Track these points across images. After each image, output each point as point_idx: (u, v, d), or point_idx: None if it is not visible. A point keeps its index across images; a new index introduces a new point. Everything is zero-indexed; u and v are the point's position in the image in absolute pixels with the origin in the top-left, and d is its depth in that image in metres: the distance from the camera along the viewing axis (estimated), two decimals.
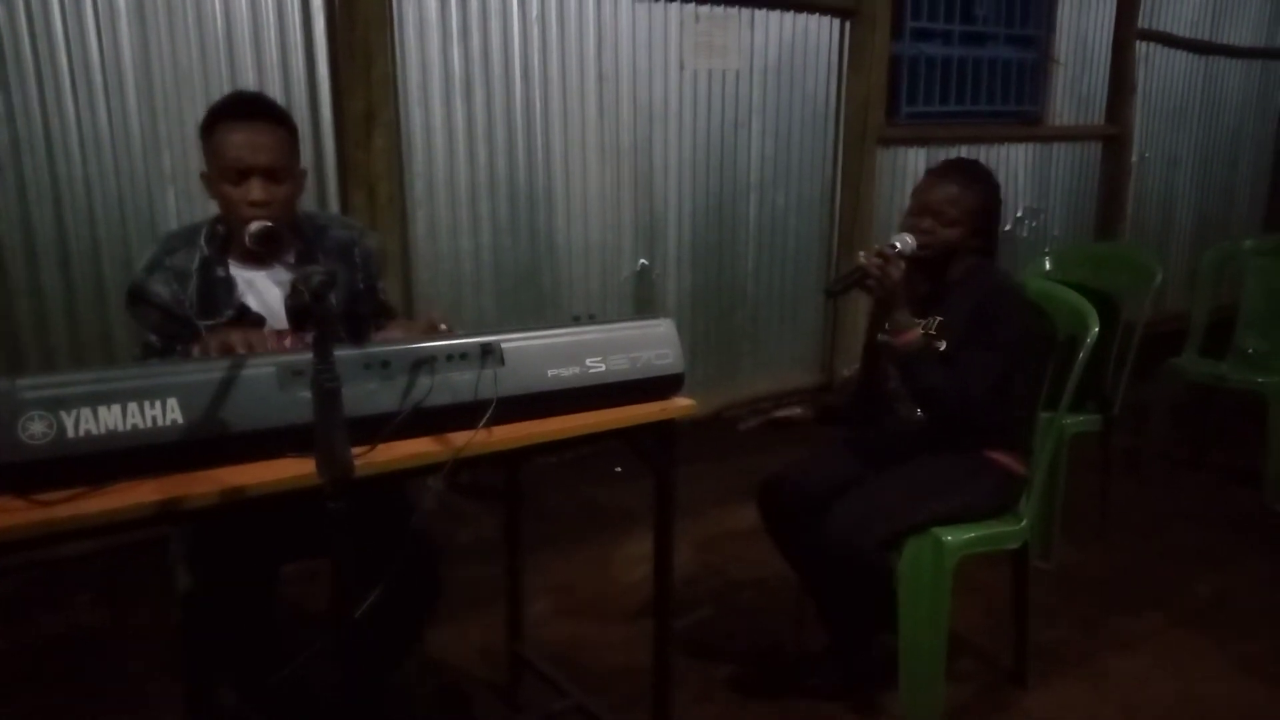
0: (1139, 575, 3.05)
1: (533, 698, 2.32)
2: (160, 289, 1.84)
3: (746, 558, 3.07)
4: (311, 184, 3.14)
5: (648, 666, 2.05)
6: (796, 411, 2.37)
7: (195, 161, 2.92)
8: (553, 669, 2.29)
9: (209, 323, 1.84)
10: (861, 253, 2.17)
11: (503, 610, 2.38)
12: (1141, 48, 5.56)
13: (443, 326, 1.75)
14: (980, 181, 2.28)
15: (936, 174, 2.29)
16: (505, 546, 2.32)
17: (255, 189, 1.80)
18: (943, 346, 2.15)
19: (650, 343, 1.78)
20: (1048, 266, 3.39)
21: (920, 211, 2.25)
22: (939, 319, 2.18)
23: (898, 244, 2.17)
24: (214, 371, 1.41)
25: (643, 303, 4.05)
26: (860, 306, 4.55)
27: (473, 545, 3.13)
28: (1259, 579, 3.03)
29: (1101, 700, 2.40)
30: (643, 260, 4.02)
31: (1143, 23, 5.50)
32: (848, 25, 4.37)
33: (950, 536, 2.11)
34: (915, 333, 2.14)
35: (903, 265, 2.15)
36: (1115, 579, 3.02)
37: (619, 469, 3.70)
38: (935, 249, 2.22)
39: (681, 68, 3.95)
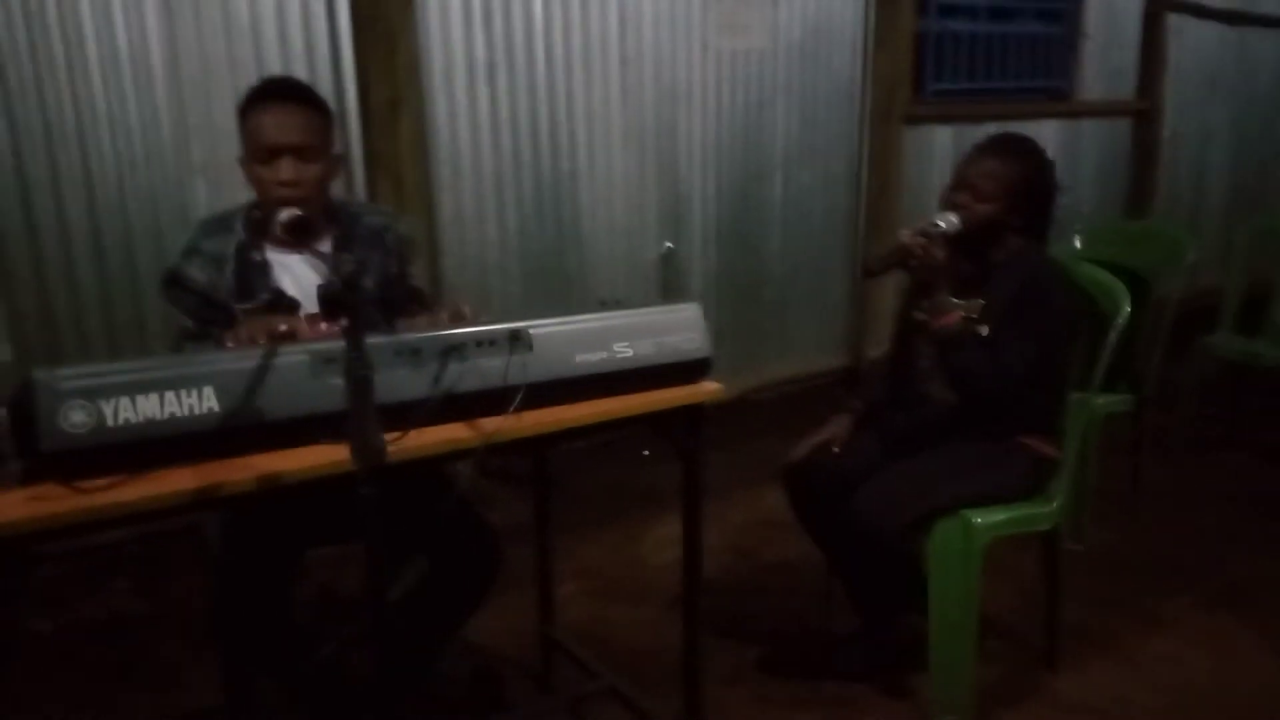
0: (1171, 556, 3.03)
1: (564, 679, 2.35)
2: (196, 274, 1.87)
3: (774, 540, 3.08)
4: (344, 162, 3.15)
5: (677, 648, 2.06)
6: (841, 435, 2.34)
7: (224, 151, 2.95)
8: (583, 651, 2.31)
9: (245, 306, 1.86)
10: (904, 231, 2.12)
11: (533, 593, 2.40)
12: (1173, 20, 5.45)
13: (468, 312, 1.75)
14: (1023, 157, 2.21)
15: (981, 148, 2.22)
16: (535, 530, 2.34)
17: (285, 168, 1.82)
18: (984, 331, 2.11)
19: (677, 327, 1.79)
20: (1078, 245, 3.35)
21: (957, 185, 2.20)
22: (981, 302, 2.14)
23: (941, 223, 2.12)
24: (249, 360, 1.44)
25: (668, 285, 4.04)
26: (888, 287, 4.52)
27: (503, 529, 3.13)
28: None
29: (1133, 682, 2.39)
30: (668, 243, 4.02)
31: None
32: (873, 2, 4.32)
33: (980, 518, 2.10)
34: (956, 315, 2.11)
35: (946, 245, 2.10)
36: (1147, 560, 3.00)
37: (647, 452, 3.71)
38: (969, 225, 2.15)
39: (705, 48, 3.93)
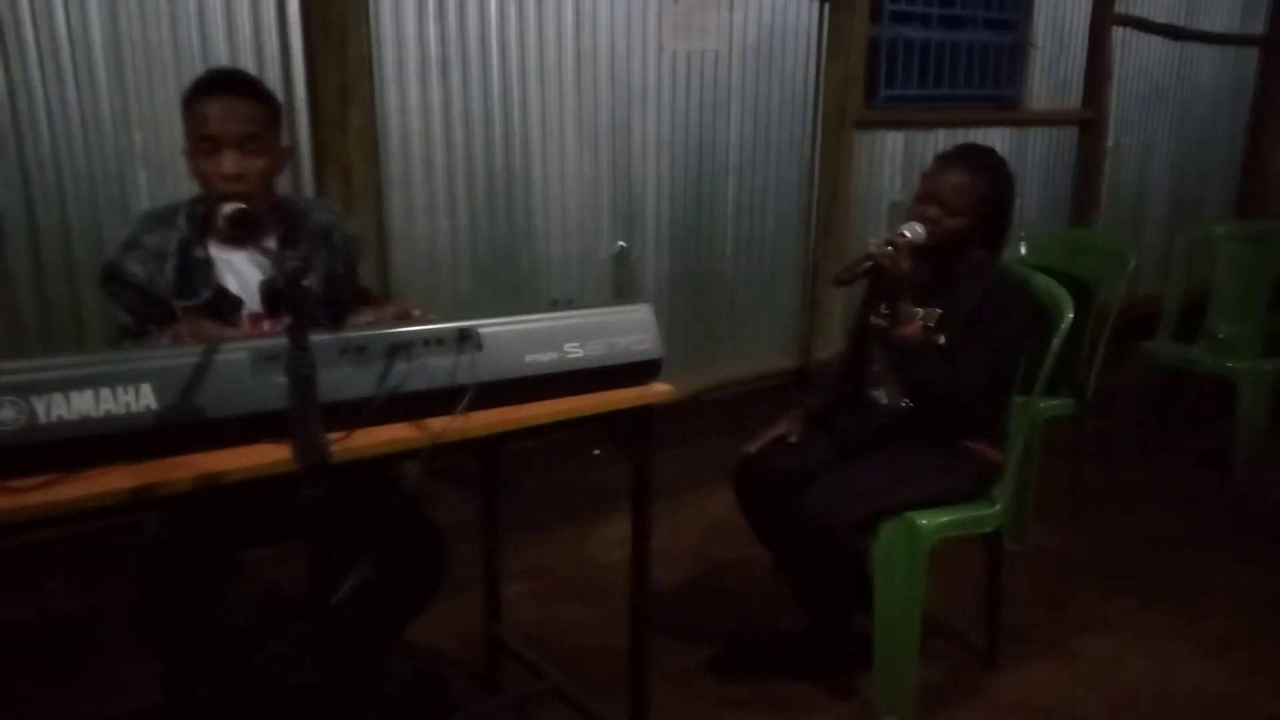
0: (1110, 557, 3.09)
1: (511, 680, 2.33)
2: (136, 268, 1.82)
3: (724, 540, 3.09)
4: (293, 156, 3.10)
5: (625, 647, 2.06)
6: (795, 434, 2.37)
7: (167, 141, 2.89)
8: (530, 651, 2.30)
9: (186, 304, 1.82)
10: (872, 241, 2.13)
11: (481, 593, 2.38)
12: (1118, 33, 5.58)
13: (415, 313, 1.73)
14: (991, 171, 2.23)
15: (947, 160, 2.24)
16: (483, 530, 2.31)
17: (228, 161, 1.78)
18: (941, 340, 2.14)
19: (629, 328, 1.79)
20: (1023, 251, 3.41)
21: (927, 198, 2.20)
22: (939, 312, 2.17)
23: (908, 233, 2.14)
24: (188, 357, 1.40)
25: (621, 285, 4.04)
26: (835, 289, 4.56)
27: (451, 528, 3.11)
28: (1228, 560, 3.08)
29: (1073, 681, 2.44)
30: (621, 242, 4.01)
31: (1120, 8, 5.52)
32: (827, 7, 4.36)
33: (925, 520, 2.13)
34: (918, 324, 2.14)
35: (911, 255, 2.12)
36: (1087, 561, 3.06)
37: (598, 451, 3.70)
38: (938, 239, 2.17)
39: (660, 48, 3.93)
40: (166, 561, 1.78)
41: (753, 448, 2.35)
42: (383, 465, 1.87)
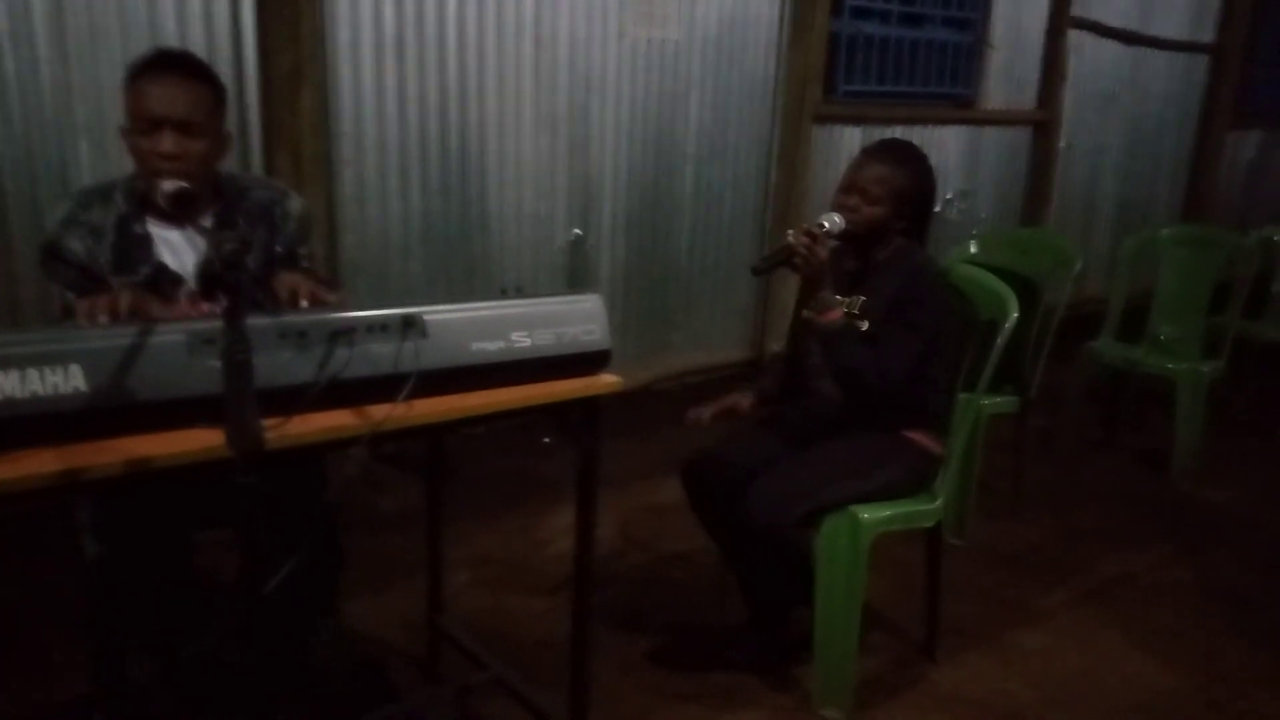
0: (1049, 553, 3.15)
1: (452, 670, 2.32)
2: (75, 245, 1.79)
3: (670, 532, 3.10)
4: (235, 142, 3.04)
5: (570, 638, 2.06)
6: (746, 401, 2.40)
7: (110, 114, 2.81)
8: (473, 641, 2.28)
9: (124, 280, 1.78)
10: (790, 231, 2.18)
11: (424, 581, 2.36)
12: (1074, 36, 5.66)
13: (304, 304, 1.67)
14: (910, 163, 2.30)
15: (869, 153, 2.31)
16: (427, 518, 2.30)
17: (166, 141, 1.74)
18: (865, 326, 2.18)
19: (577, 318, 1.77)
20: (973, 250, 3.45)
21: (848, 188, 2.27)
22: (862, 299, 2.21)
23: (825, 223, 2.19)
24: (120, 338, 1.36)
25: (576, 273, 4.02)
26: (791, 284, 4.58)
27: (397, 515, 3.10)
28: (1163, 557, 3.16)
29: (1008, 674, 2.49)
30: (577, 230, 3.99)
31: (1076, 11, 5.59)
32: (788, 0, 4.36)
33: (867, 514, 2.15)
34: (838, 312, 2.17)
35: (830, 244, 2.17)
36: (1026, 556, 3.12)
37: (547, 440, 3.69)
38: (858, 226, 2.24)
39: (621, 36, 3.91)
40: (113, 544, 1.74)
41: (704, 414, 2.38)
42: (309, 452, 1.85)
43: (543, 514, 3.21)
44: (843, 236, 2.23)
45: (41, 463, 1.27)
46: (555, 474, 3.47)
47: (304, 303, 1.65)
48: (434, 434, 2.12)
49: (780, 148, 4.51)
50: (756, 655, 2.42)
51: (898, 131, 4.94)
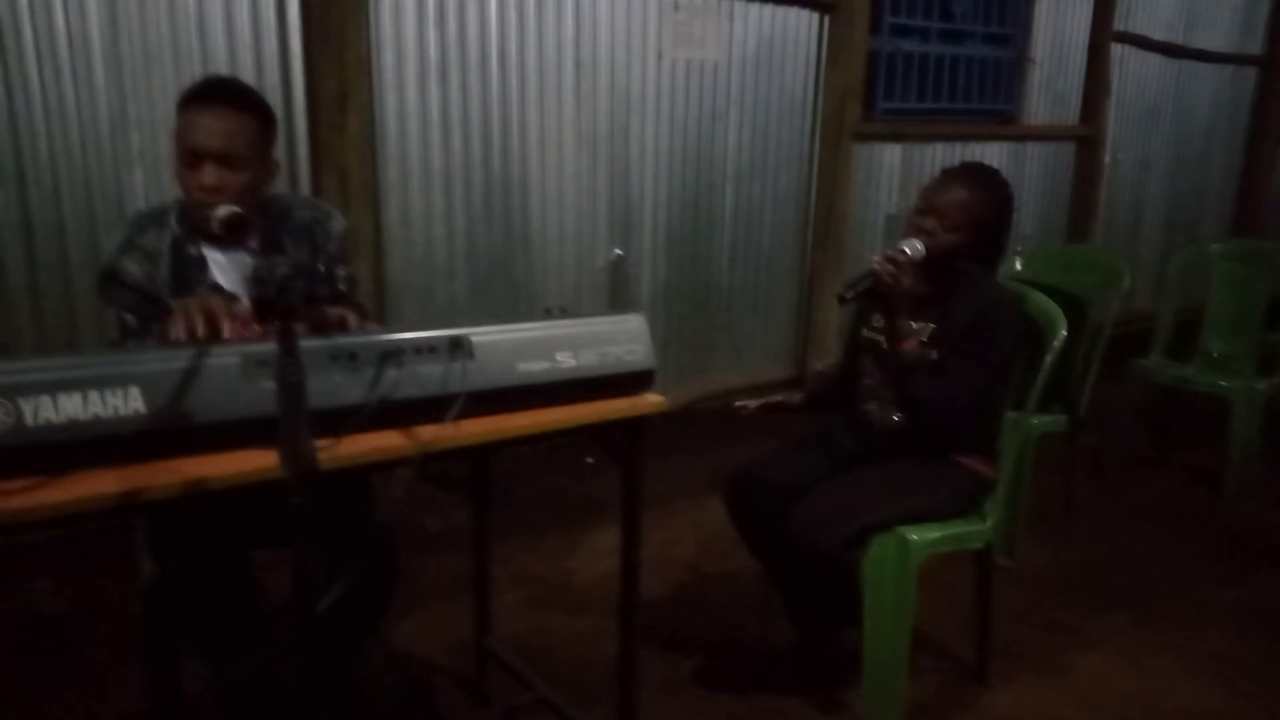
0: (1101, 574, 3.09)
1: (498, 690, 2.32)
2: (133, 268, 1.82)
3: (712, 552, 3.08)
4: (283, 166, 3.09)
5: (614, 659, 2.05)
6: (795, 398, 2.39)
7: (165, 141, 2.88)
8: (519, 661, 2.29)
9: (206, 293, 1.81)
10: (875, 257, 2.13)
11: (470, 601, 2.37)
12: (1117, 49, 5.60)
13: (351, 323, 1.69)
14: (992, 190, 2.24)
15: (950, 175, 2.25)
16: (473, 538, 2.31)
17: (206, 174, 1.78)
18: (934, 355, 2.14)
19: (621, 338, 1.78)
20: (1018, 267, 3.41)
21: (926, 211, 2.21)
22: (932, 326, 2.17)
23: (908, 250, 2.15)
24: (177, 361, 1.39)
25: (617, 293, 4.04)
26: (832, 300, 4.57)
27: (442, 535, 3.12)
28: (1218, 579, 3.08)
29: (1062, 698, 2.44)
30: (617, 250, 4.01)
31: (1119, 25, 5.54)
32: (827, 19, 4.37)
33: (916, 535, 2.13)
34: (914, 341, 2.14)
35: (912, 272, 2.13)
36: (1078, 578, 3.06)
37: (590, 460, 3.70)
38: (934, 252, 2.18)
39: (660, 57, 3.94)
40: (165, 565, 1.77)
41: (751, 405, 2.35)
42: (370, 472, 1.87)
43: (585, 534, 3.21)
44: (919, 262, 2.16)
45: (103, 483, 1.30)
46: (597, 494, 3.48)
47: (351, 324, 1.68)
48: (480, 454, 2.13)
49: (820, 166, 4.51)
50: (802, 677, 2.40)
51: (939, 149, 4.92)
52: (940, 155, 4.93)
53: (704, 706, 2.35)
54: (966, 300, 2.19)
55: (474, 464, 2.27)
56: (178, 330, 1.55)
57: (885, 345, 2.20)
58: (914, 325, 2.17)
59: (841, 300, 2.19)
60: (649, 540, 1.95)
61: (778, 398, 2.38)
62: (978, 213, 2.20)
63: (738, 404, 2.37)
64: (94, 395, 1.33)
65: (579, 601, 2.80)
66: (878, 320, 2.29)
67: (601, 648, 2.49)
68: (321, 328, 1.66)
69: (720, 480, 2.40)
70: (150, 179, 2.91)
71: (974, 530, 2.23)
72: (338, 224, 2.03)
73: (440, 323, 1.64)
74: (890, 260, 2.11)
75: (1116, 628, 2.78)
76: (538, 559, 3.04)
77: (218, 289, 1.87)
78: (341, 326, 1.70)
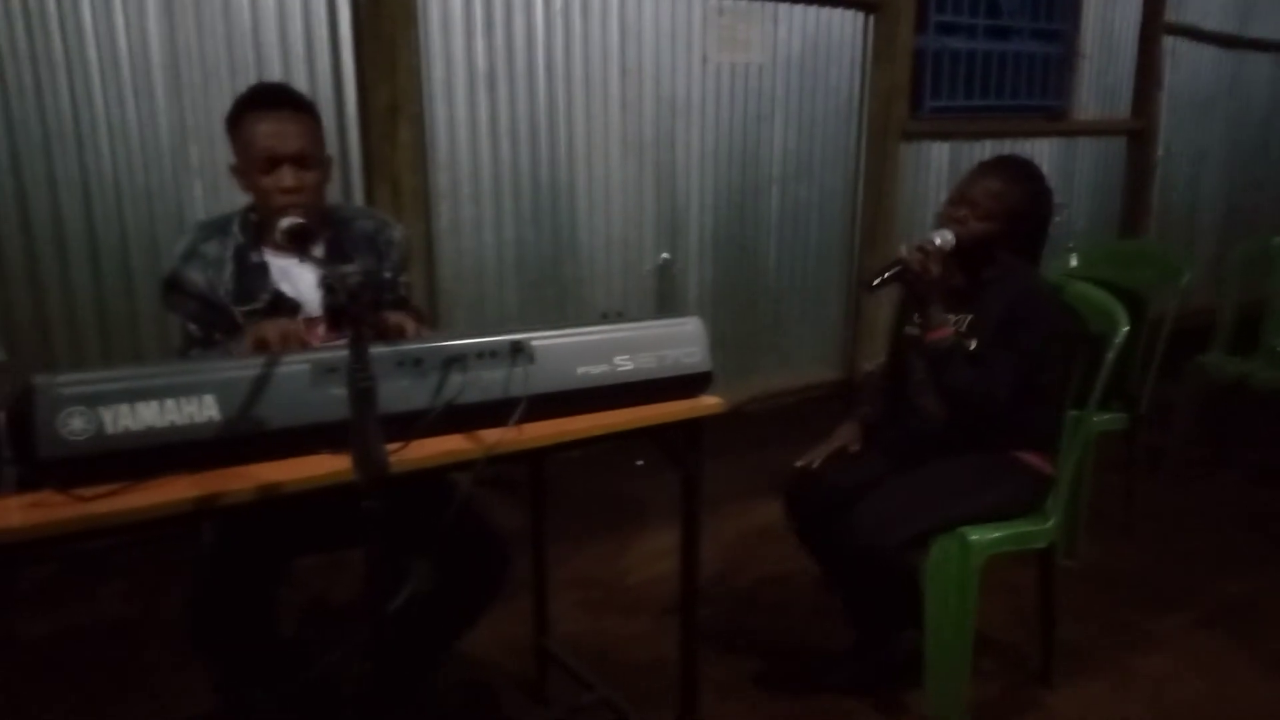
0: (1164, 575, 3.03)
1: (559, 692, 2.34)
2: (196, 276, 1.86)
3: (767, 553, 3.07)
4: (336, 177, 3.15)
5: (672, 660, 2.06)
6: (854, 445, 2.37)
7: (221, 155, 2.94)
8: (578, 663, 2.30)
9: (245, 309, 1.86)
10: (903, 246, 2.14)
11: (527, 603, 2.39)
12: (1168, 41, 5.50)
13: (409, 330, 1.74)
14: (1025, 181, 2.24)
15: (983, 166, 2.26)
16: (530, 541, 2.32)
17: (286, 176, 1.82)
18: (972, 345, 2.13)
19: (678, 341, 1.79)
20: (1074, 263, 3.36)
21: (958, 201, 2.23)
22: (970, 317, 2.16)
23: (937, 239, 2.15)
24: (249, 369, 1.43)
25: (664, 297, 4.04)
26: (883, 300, 4.53)
27: None
28: None
29: (1128, 700, 2.39)
30: (665, 254, 4.02)
31: (1170, 16, 5.44)
32: (872, 19, 4.35)
33: (977, 536, 2.11)
34: (947, 330, 2.13)
35: (941, 260, 2.13)
36: (1141, 578, 3.00)
37: (640, 462, 3.71)
38: (965, 241, 2.18)
39: (704, 61, 3.94)
40: (221, 570, 1.81)
41: (814, 463, 2.33)
42: (436, 475, 1.90)
43: (637, 536, 3.22)
44: (951, 252, 2.18)
45: (179, 489, 1.34)
46: (648, 496, 3.48)
47: (409, 332, 1.72)
48: (538, 457, 2.15)
49: (866, 166, 4.48)
50: (861, 678, 2.38)
51: (987, 146, 4.86)
52: (989, 153, 4.84)
53: (764, 708, 2.34)
54: (1001, 290, 2.19)
55: (530, 468, 2.29)
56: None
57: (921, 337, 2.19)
58: (952, 317, 2.16)
59: (867, 288, 2.20)
60: (702, 543, 1.95)
61: (837, 444, 2.36)
62: (1010, 202, 2.19)
63: (801, 462, 2.34)
64: (170, 403, 1.37)
65: (634, 603, 2.81)
66: (917, 315, 2.28)
67: (658, 649, 2.50)
68: (382, 334, 1.69)
69: (779, 483, 2.39)
70: (209, 190, 2.98)
71: (1036, 530, 2.20)
72: (398, 233, 2.07)
73: (493, 330, 1.66)
74: (919, 249, 2.11)
75: (1182, 628, 2.72)
76: (591, 561, 3.06)
77: (281, 296, 1.90)
78: (400, 333, 1.73)
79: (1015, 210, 2.20)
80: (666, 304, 4.04)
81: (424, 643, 1.93)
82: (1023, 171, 2.26)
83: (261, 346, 1.62)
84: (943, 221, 2.23)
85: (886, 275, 2.15)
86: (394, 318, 1.81)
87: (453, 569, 1.89)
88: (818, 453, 2.35)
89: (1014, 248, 2.24)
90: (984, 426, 2.18)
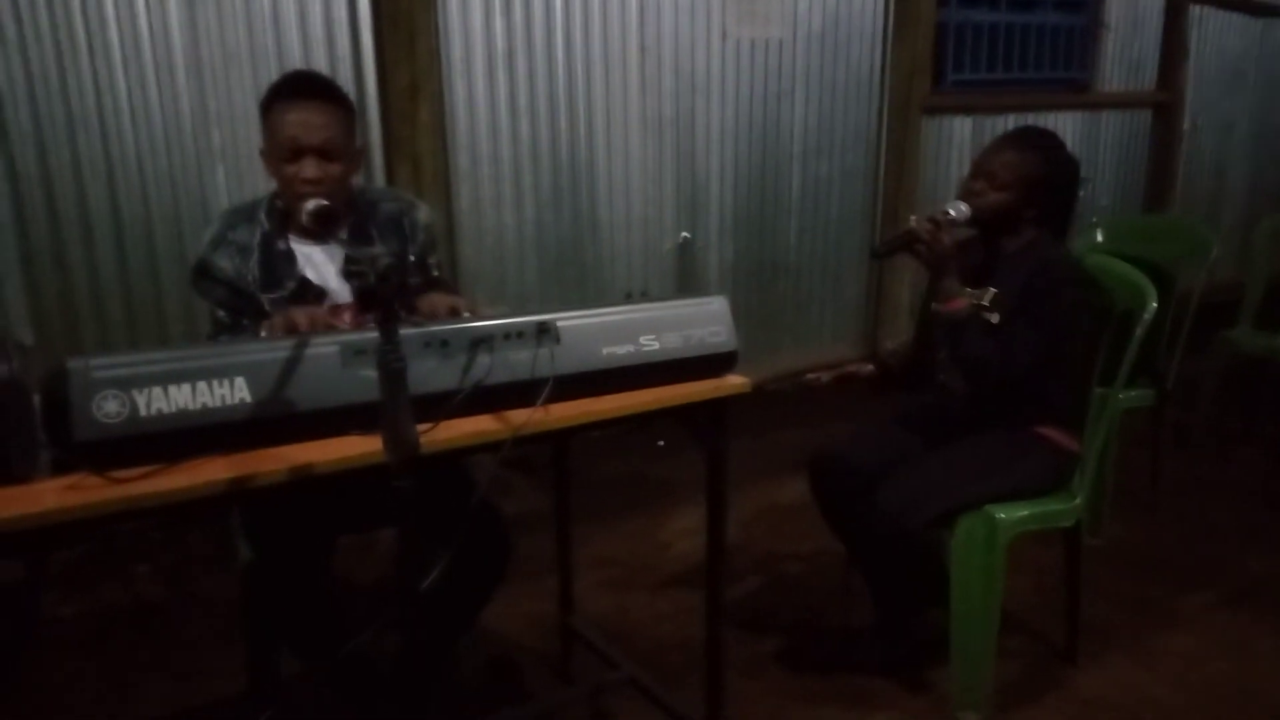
0: (1190, 552, 3.02)
1: (584, 669, 2.35)
2: (225, 263, 1.87)
3: (790, 531, 3.08)
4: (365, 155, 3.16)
5: (696, 639, 2.06)
6: (868, 368, 2.37)
7: (244, 138, 2.96)
8: (603, 641, 2.32)
9: (272, 295, 1.87)
10: (914, 216, 2.14)
11: (551, 582, 2.40)
12: (1195, 11, 5.41)
13: (466, 315, 1.74)
14: (1042, 150, 2.22)
15: (1001, 139, 2.26)
16: (555, 520, 2.34)
17: (308, 167, 1.82)
18: (995, 319, 2.11)
19: (703, 320, 1.78)
20: (1099, 238, 3.33)
21: (976, 173, 2.22)
22: (993, 291, 2.14)
23: (951, 210, 2.15)
24: (280, 351, 1.43)
25: (685, 276, 4.04)
26: (905, 279, 4.51)
27: (520, 517, 3.16)
28: None
29: (1153, 678, 2.39)
30: (685, 233, 4.00)
31: None
32: None
33: (1004, 514, 2.10)
34: (962, 301, 2.12)
35: (962, 233, 2.12)
36: (1166, 556, 2.99)
37: (661, 442, 3.72)
38: (982, 212, 2.18)
39: (724, 37, 3.91)
40: (268, 549, 1.83)
41: (823, 377, 2.34)
42: (454, 457, 1.91)
43: (659, 516, 3.23)
44: (972, 225, 2.18)
45: (213, 471, 1.35)
46: (669, 476, 3.49)
47: (465, 312, 1.73)
48: (563, 438, 2.15)
49: (888, 141, 4.44)
50: (886, 657, 2.38)
51: (1010, 120, 4.81)
52: (1011, 127, 4.80)
53: (787, 686, 2.35)
54: (1021, 263, 2.18)
55: (554, 448, 2.30)
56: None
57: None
58: (971, 290, 2.14)
59: (874, 254, 2.26)
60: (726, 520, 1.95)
61: (850, 368, 2.37)
62: (1025, 171, 2.18)
63: (809, 376, 2.36)
64: (202, 386, 1.37)
65: (657, 582, 2.83)
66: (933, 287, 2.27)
67: (683, 628, 2.52)
68: (433, 315, 1.70)
69: (794, 461, 2.39)
70: (231, 175, 2.99)
71: (1063, 508, 2.19)
72: (424, 214, 2.07)
73: (518, 310, 1.66)
74: (930, 219, 2.10)
75: (1208, 607, 2.71)
76: (614, 540, 3.07)
77: (306, 283, 1.91)
78: (454, 314, 1.73)
79: (1032, 179, 2.18)
80: (687, 283, 4.03)
81: (439, 622, 1.94)
82: (1040, 140, 2.25)
83: (290, 331, 1.62)
84: (962, 195, 2.22)
85: (893, 244, 2.16)
86: (445, 299, 1.81)
87: (462, 549, 1.90)
88: (829, 373, 2.35)
89: (1039, 221, 2.22)
90: (1005, 401, 2.17)
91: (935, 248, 2.10)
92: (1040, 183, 2.20)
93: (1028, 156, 2.19)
